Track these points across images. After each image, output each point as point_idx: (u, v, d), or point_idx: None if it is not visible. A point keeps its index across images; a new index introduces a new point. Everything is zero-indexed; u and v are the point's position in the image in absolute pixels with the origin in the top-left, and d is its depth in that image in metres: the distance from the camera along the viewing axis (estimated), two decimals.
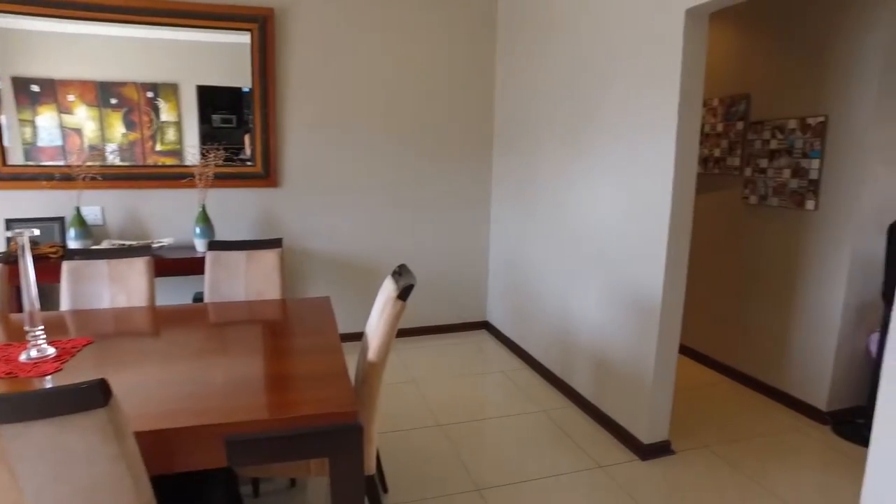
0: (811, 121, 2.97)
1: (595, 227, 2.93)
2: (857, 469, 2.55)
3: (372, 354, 1.77)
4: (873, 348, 2.93)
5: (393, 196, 4.08)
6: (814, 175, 2.97)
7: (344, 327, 4.03)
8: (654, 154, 2.48)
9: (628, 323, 2.69)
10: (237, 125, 3.66)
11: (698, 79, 2.36)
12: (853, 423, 2.93)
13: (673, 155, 2.37)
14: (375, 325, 1.85)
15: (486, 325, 4.50)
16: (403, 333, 4.28)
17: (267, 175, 3.76)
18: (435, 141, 4.10)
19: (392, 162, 4.03)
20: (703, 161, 3.72)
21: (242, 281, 2.62)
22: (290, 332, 2.03)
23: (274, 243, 2.69)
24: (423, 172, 4.12)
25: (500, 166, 4.14)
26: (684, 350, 3.95)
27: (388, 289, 1.92)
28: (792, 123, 3.08)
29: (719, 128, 3.59)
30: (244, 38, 3.53)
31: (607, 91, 2.79)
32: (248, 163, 3.71)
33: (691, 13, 2.28)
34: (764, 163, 3.26)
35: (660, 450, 2.61)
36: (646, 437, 2.59)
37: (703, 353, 3.80)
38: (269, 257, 2.65)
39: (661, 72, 2.41)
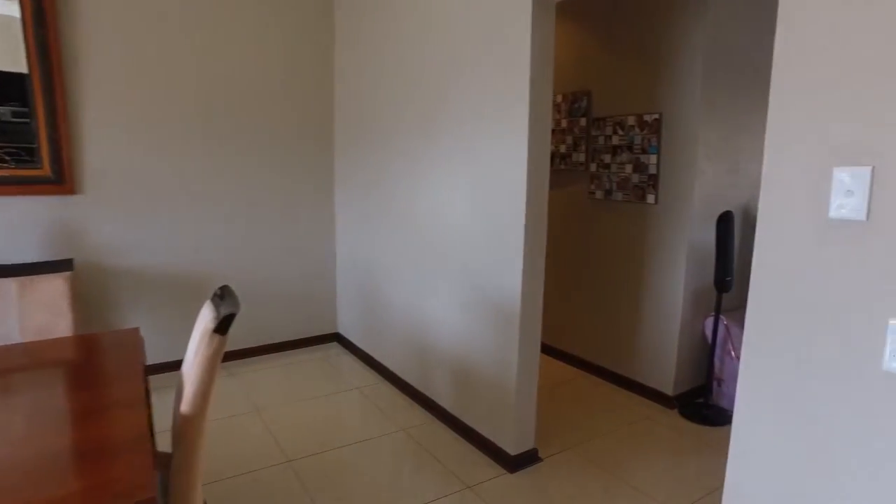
0: (647, 118, 3.06)
1: (448, 226, 2.75)
2: (702, 448, 2.66)
3: (187, 406, 1.38)
4: (708, 332, 3.11)
5: (223, 201, 3.58)
6: (652, 170, 3.07)
7: (167, 354, 3.45)
8: (506, 148, 2.34)
9: (487, 329, 2.55)
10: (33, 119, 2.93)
11: (547, 68, 2.26)
12: (694, 405, 3.09)
13: (526, 148, 2.25)
14: (191, 366, 1.46)
15: (337, 338, 4.17)
16: (243, 354, 3.79)
17: (60, 180, 3.07)
18: (269, 139, 3.67)
19: (221, 163, 3.53)
20: (551, 157, 3.73)
21: (14, 316, 2.03)
22: (79, 382, 1.56)
23: (61, 266, 2.13)
24: (256, 174, 3.67)
25: (343, 164, 3.82)
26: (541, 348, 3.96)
27: (205, 318, 1.53)
28: (631, 120, 3.16)
29: (564, 124, 3.62)
30: (12, 9, 2.83)
31: (457, 81, 2.62)
32: (32, 164, 2.99)
33: (539, 1, 2.17)
34: (607, 158, 3.33)
35: (528, 459, 2.50)
36: (513, 447, 2.46)
37: (558, 349, 3.83)
38: (54, 284, 2.09)
39: (511, 61, 2.27)
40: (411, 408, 3.09)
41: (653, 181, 3.07)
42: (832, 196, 1.31)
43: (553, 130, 3.71)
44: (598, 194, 3.41)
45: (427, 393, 3.07)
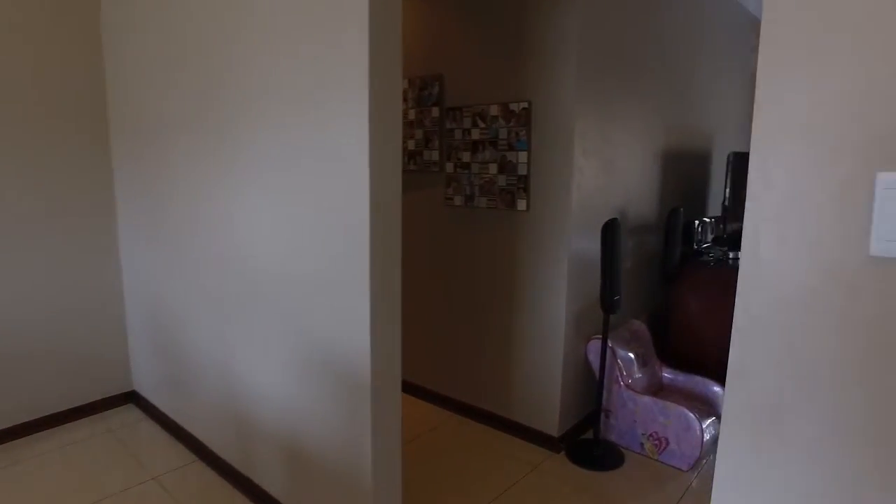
0: (514, 107, 2.53)
1: (266, 257, 1.95)
2: (598, 501, 2.19)
3: None
4: (593, 358, 2.68)
5: None
6: (522, 170, 2.54)
7: None
8: (339, 146, 1.62)
9: (327, 393, 1.81)
10: None
11: (393, 32, 1.58)
12: (583, 444, 2.64)
13: (367, 145, 1.55)
14: None
15: (133, 398, 3.12)
16: None
17: None
18: (11, 143, 2.54)
19: None
20: None
21: None
22: None
23: None
24: None
25: (125, 167, 2.80)
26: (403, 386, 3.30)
27: None
28: (494, 110, 2.61)
29: (412, 115, 2.98)
30: None
31: (274, 66, 1.83)
32: None
33: None
34: (466, 157, 2.75)
35: None
36: None
37: (420, 387, 3.20)
38: None
39: (343, 38, 1.55)
40: (231, 497, 2.23)
41: (523, 183, 2.54)
42: (875, 219, 0.80)
43: None
44: (457, 200, 2.82)
45: (250, 475, 2.24)
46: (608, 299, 2.38)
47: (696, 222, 3.09)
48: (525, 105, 2.48)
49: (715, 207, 3.99)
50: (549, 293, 2.55)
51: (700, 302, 2.99)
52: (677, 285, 3.03)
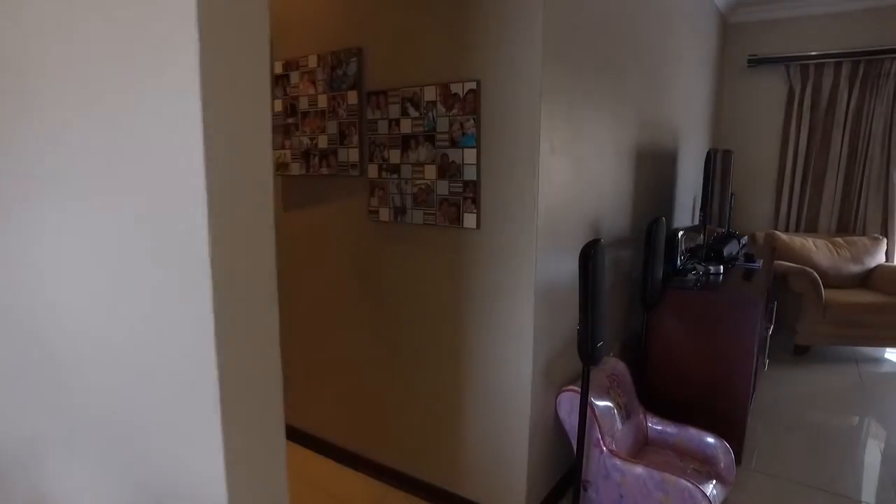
0: (457, 88, 1.87)
1: (55, 325, 1.20)
2: None
3: None
4: (565, 415, 2.07)
5: None
6: (470, 174, 1.89)
7: None
8: (156, 159, 0.91)
9: None
10: None
11: None
12: None
13: (201, 153, 0.85)
14: None
15: None
16: None
17: None
18: None
19: None
20: (305, 155, 2.36)
21: None
22: None
23: None
24: None
25: None
26: (323, 447, 2.58)
27: None
28: (430, 93, 1.94)
29: (322, 102, 2.27)
30: None
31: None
32: None
33: None
34: (395, 156, 2.08)
35: None
36: None
37: (352, 453, 2.49)
38: None
39: None
40: None
41: (472, 192, 1.90)
42: None
43: (305, 113, 2.33)
44: (384, 214, 2.14)
45: None
46: (589, 347, 1.78)
47: (680, 234, 2.56)
48: (472, 86, 1.84)
49: (684, 213, 3.51)
50: (509, 334, 1.92)
51: (684, 332, 2.45)
52: (658, 311, 2.49)
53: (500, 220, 1.87)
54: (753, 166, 4.51)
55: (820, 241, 4.06)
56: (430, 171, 1.98)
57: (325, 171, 2.29)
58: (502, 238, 1.87)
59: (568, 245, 2.03)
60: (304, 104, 2.32)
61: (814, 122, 4.25)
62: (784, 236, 4.07)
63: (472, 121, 1.85)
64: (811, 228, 4.34)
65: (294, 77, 2.34)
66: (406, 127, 2.02)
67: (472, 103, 1.85)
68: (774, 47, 4.29)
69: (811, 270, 3.66)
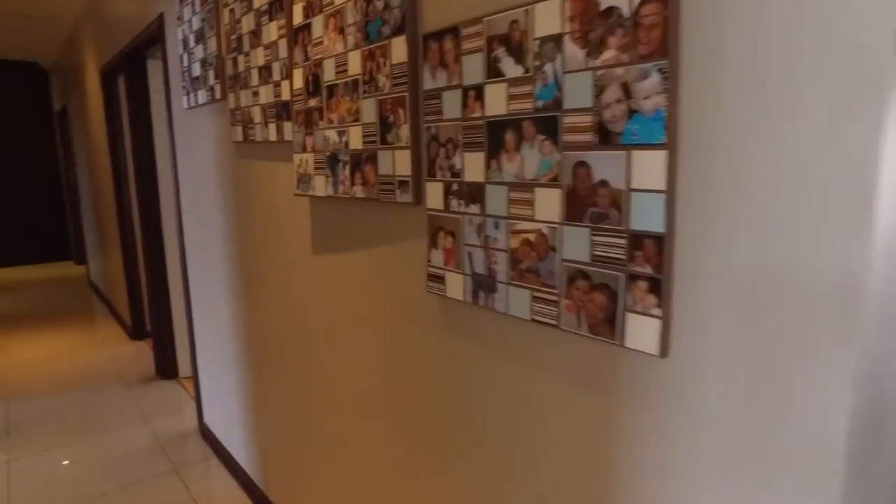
0: None
1: None
2: None
3: None
4: None
5: None
6: (649, 215, 0.74)
7: None
8: None
9: None
10: None
11: None
12: None
13: None
14: None
15: None
16: None
17: None
18: None
19: None
20: (331, 162, 1.34)
21: None
22: None
23: None
24: None
25: None
26: None
27: None
28: (548, 17, 0.82)
29: (354, 64, 1.23)
30: None
31: None
32: None
33: None
34: (476, 166, 0.97)
35: None
36: None
37: None
38: None
39: None
40: None
41: (650, 258, 0.75)
42: None
43: (331, 88, 1.31)
44: (454, 284, 1.05)
45: None
46: None
47: None
48: None
49: None
50: None
51: None
52: None
53: (733, 332, 0.69)
54: None
55: None
56: (548, 202, 0.85)
57: (358, 190, 1.26)
58: (739, 374, 0.70)
59: None
60: (328, 72, 1.31)
61: None
62: None
63: (654, 75, 0.70)
64: None
65: (317, 26, 1.33)
66: (496, 101, 0.91)
67: (654, 33, 0.69)
68: None
69: None
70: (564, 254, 0.84)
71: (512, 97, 0.89)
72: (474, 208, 0.98)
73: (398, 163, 1.13)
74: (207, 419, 2.71)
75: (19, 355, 3.99)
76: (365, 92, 1.20)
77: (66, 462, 2.55)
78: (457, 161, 1.00)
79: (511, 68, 0.88)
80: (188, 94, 2.24)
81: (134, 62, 3.23)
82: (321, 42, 1.32)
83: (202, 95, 2.08)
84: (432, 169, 1.06)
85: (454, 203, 1.02)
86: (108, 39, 3.68)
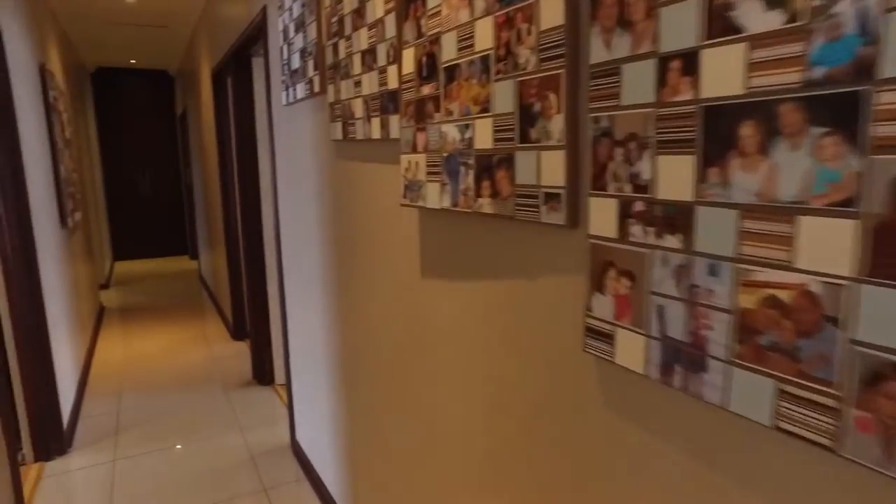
0: None
1: None
2: None
3: None
4: None
5: None
6: None
7: None
8: None
9: None
10: None
11: None
12: None
13: None
14: None
15: None
16: None
17: None
18: None
19: None
20: (449, 166, 1.05)
21: None
22: None
23: None
24: None
25: None
26: None
27: None
28: None
29: (484, 38, 0.93)
30: None
31: None
32: None
33: None
34: (679, 175, 0.64)
35: None
36: None
37: None
38: None
39: None
40: None
41: None
42: None
43: (451, 71, 1.01)
44: (632, 350, 0.72)
45: None
46: None
47: None
48: None
49: None
50: None
51: None
52: None
53: None
54: None
55: None
56: (827, 241, 0.50)
57: (486, 203, 0.95)
58: None
59: None
60: (448, 49, 1.01)
61: None
62: None
63: None
64: None
65: None
66: (723, 73, 0.57)
67: None
68: None
69: None
70: (860, 332, 0.48)
71: (756, 65, 0.54)
72: (672, 241, 0.64)
73: (546, 168, 0.81)
74: (299, 436, 2.54)
75: (137, 348, 4.13)
76: (499, 72, 0.89)
77: (165, 467, 2.49)
78: (644, 168, 0.67)
79: (758, 16, 0.54)
80: (287, 88, 2.05)
81: (240, 61, 3.15)
82: (439, 12, 1.03)
83: (301, 89, 1.87)
84: (601, 178, 0.73)
85: (636, 230, 0.69)
86: (219, 41, 3.66)
